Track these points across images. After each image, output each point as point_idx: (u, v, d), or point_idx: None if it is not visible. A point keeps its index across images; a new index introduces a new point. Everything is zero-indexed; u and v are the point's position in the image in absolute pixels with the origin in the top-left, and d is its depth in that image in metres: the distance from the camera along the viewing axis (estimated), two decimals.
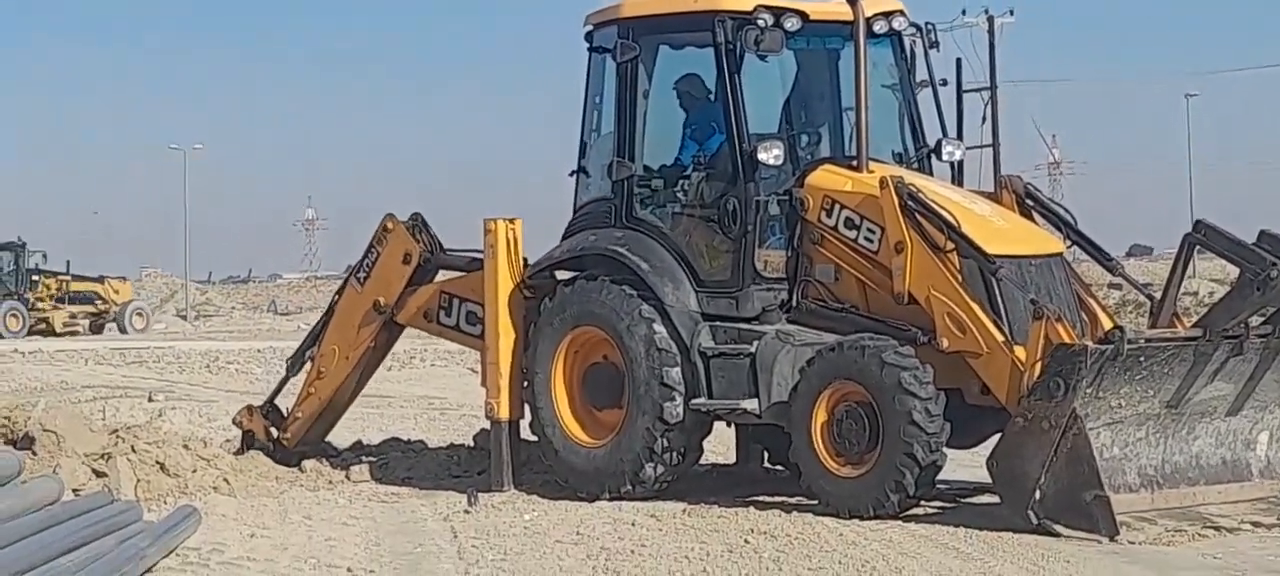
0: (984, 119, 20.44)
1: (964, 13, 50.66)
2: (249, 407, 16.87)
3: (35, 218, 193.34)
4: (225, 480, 15.19)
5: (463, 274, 15.72)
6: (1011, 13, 53.34)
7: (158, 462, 14.93)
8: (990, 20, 53.91)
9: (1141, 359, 12.54)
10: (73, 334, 57.32)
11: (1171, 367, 12.71)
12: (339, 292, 16.44)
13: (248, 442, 16.55)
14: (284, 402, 16.69)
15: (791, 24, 14.07)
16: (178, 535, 12.00)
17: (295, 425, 16.43)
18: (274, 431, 16.52)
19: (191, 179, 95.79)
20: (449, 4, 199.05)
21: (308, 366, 16.45)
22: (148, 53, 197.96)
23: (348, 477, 15.75)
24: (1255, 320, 12.99)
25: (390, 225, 15.87)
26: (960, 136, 15.08)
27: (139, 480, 14.65)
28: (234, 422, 16.99)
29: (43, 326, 57.48)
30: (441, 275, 16.00)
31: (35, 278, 59.71)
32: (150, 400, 24.48)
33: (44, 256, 61.32)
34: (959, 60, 15.31)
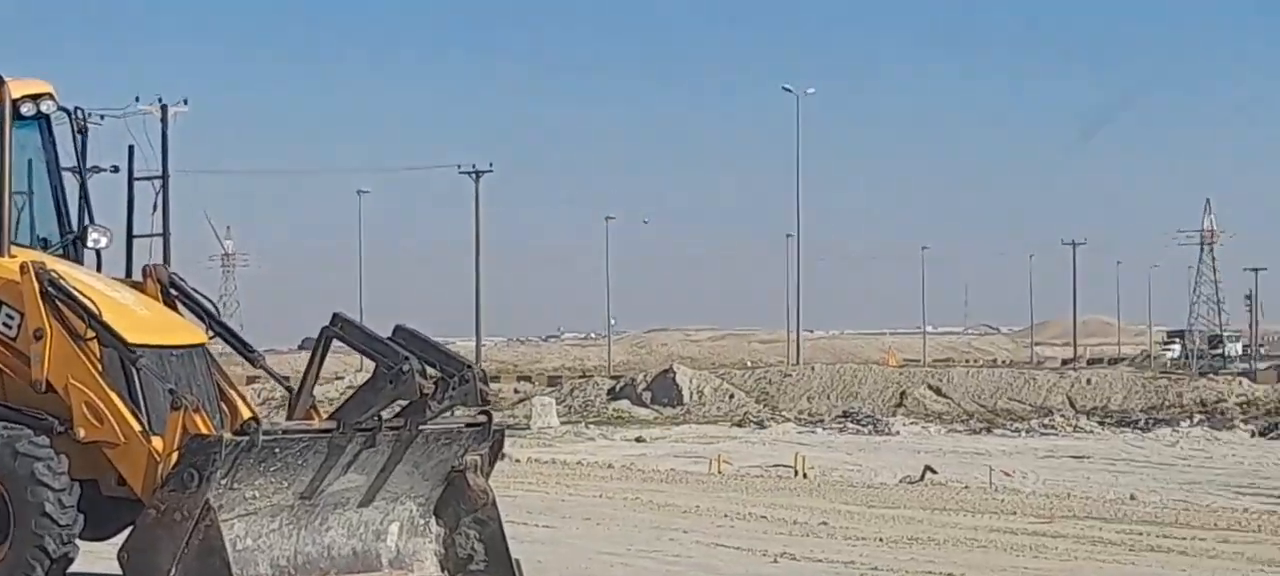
0: (155, 207, 20.29)
1: (138, 100, 50.52)
2: None
3: None
4: None
5: None
6: (185, 102, 53.44)
7: None
8: (164, 109, 54.30)
9: (276, 450, 12.71)
10: None
11: (306, 459, 12.93)
12: None
13: None
14: None
15: None
16: None
17: None
18: None
19: None
20: None
21: None
22: None
23: None
24: (388, 413, 13.40)
25: None
26: (130, 224, 14.95)
27: None
28: None
29: None
30: None
31: None
32: None
33: None
34: (131, 147, 15.21)
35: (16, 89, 13.99)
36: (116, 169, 14.91)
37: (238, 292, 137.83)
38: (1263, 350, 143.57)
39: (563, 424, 64.59)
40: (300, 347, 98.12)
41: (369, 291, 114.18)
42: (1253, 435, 62.84)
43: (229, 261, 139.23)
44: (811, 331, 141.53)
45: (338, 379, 62.33)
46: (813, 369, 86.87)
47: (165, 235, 17.77)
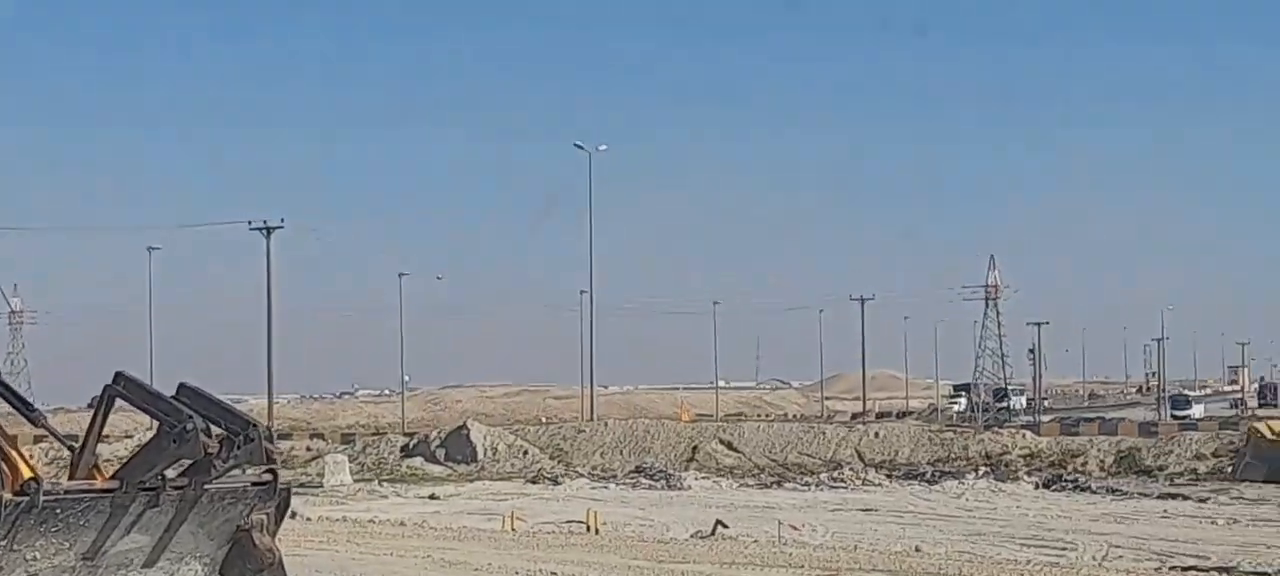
0: None
1: None
2: None
3: None
4: None
5: None
6: None
7: None
8: None
9: (58, 510, 12.57)
10: None
11: (88, 519, 12.80)
12: None
13: None
14: None
15: None
16: None
17: None
18: None
19: None
20: None
21: None
22: None
23: None
24: (173, 472, 13.30)
25: None
26: None
27: None
28: None
29: None
30: None
31: None
32: None
33: None
34: None
35: None
36: None
37: (26, 351, 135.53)
38: (1046, 403, 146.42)
39: (356, 481, 64.19)
40: (88, 406, 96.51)
41: (160, 350, 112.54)
42: (1036, 487, 64.03)
43: (16, 320, 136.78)
44: (606, 387, 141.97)
45: (127, 437, 61.38)
46: (606, 424, 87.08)
47: None
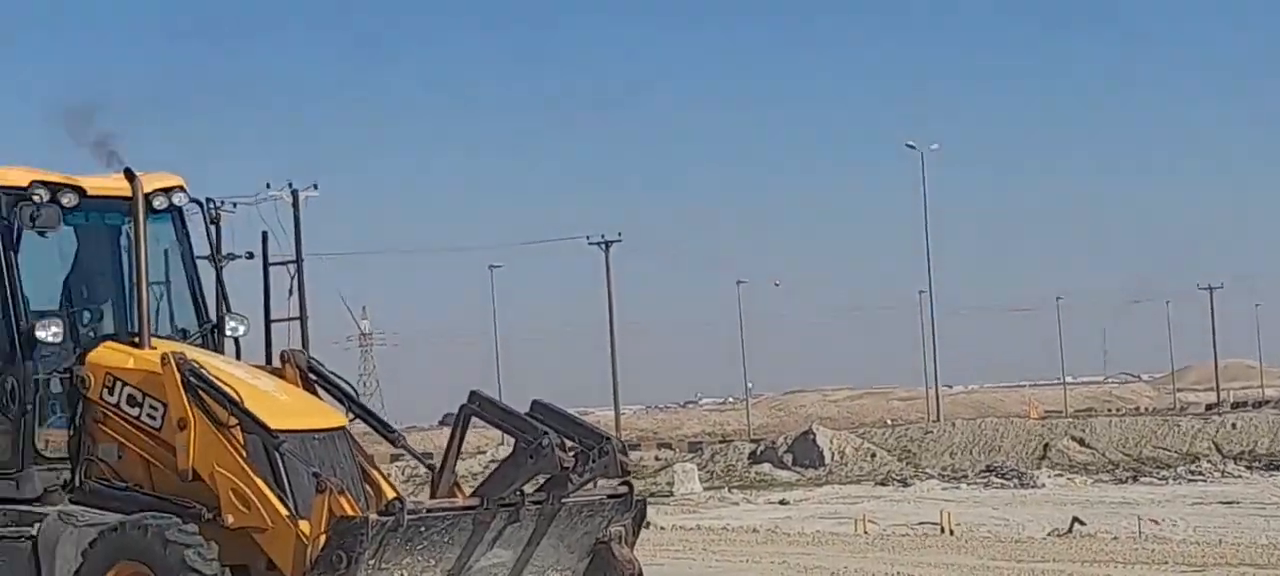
0: (290, 292, 20.38)
1: (268, 186, 51.03)
2: None
3: None
4: None
5: None
6: (315, 186, 53.94)
7: None
8: (294, 194, 54.85)
9: (422, 529, 12.77)
10: None
11: (451, 536, 12.98)
12: None
13: None
14: None
15: (68, 200, 13.89)
16: None
17: None
18: None
19: None
20: None
21: None
22: None
23: None
24: (530, 487, 13.43)
25: None
26: (267, 309, 15.10)
27: None
28: None
29: None
30: None
31: None
32: None
33: None
34: (264, 233, 15.41)
35: (149, 183, 14.20)
36: (251, 255, 15.10)
37: (376, 372, 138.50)
38: None
39: (705, 489, 64.40)
40: (440, 424, 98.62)
41: (504, 366, 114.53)
42: None
43: (366, 342, 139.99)
44: (950, 386, 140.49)
45: (480, 453, 62.52)
46: (953, 424, 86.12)
47: (303, 319, 17.97)
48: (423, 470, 14.62)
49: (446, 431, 14.81)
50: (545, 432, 13.19)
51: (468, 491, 13.99)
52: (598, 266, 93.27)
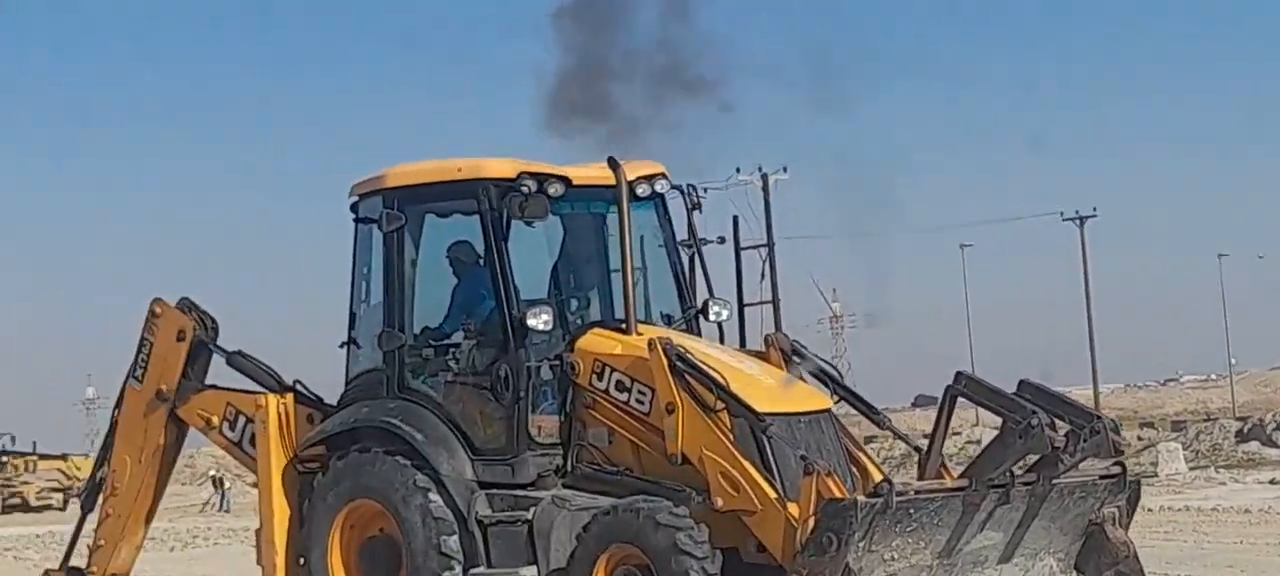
0: (762, 276, 20.48)
1: (738, 171, 51.47)
2: (47, 572, 16.34)
3: None
4: None
5: (253, 391, 15.24)
6: (785, 170, 54.23)
7: None
8: (764, 178, 55.24)
9: (911, 511, 12.64)
10: None
11: (941, 518, 12.82)
12: (118, 404, 15.86)
13: None
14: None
15: (555, 190, 14.14)
16: None
17: (100, 553, 15.83)
18: None
19: None
20: None
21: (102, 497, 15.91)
22: None
23: None
24: (1019, 468, 13.17)
25: (158, 309, 15.56)
26: (740, 293, 15.15)
27: None
28: None
29: None
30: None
31: None
32: None
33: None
34: (735, 218, 15.49)
35: (631, 172, 14.36)
36: (722, 240, 15.17)
37: (847, 354, 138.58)
38: None
39: (1190, 469, 62.61)
40: (914, 405, 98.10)
41: (978, 346, 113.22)
42: None
43: (837, 323, 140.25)
44: None
45: (955, 434, 61.97)
46: None
47: (775, 302, 18.00)
48: (899, 451, 14.54)
49: (919, 412, 14.66)
50: (1034, 412, 12.92)
51: (955, 473, 13.79)
52: (1069, 242, 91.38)
